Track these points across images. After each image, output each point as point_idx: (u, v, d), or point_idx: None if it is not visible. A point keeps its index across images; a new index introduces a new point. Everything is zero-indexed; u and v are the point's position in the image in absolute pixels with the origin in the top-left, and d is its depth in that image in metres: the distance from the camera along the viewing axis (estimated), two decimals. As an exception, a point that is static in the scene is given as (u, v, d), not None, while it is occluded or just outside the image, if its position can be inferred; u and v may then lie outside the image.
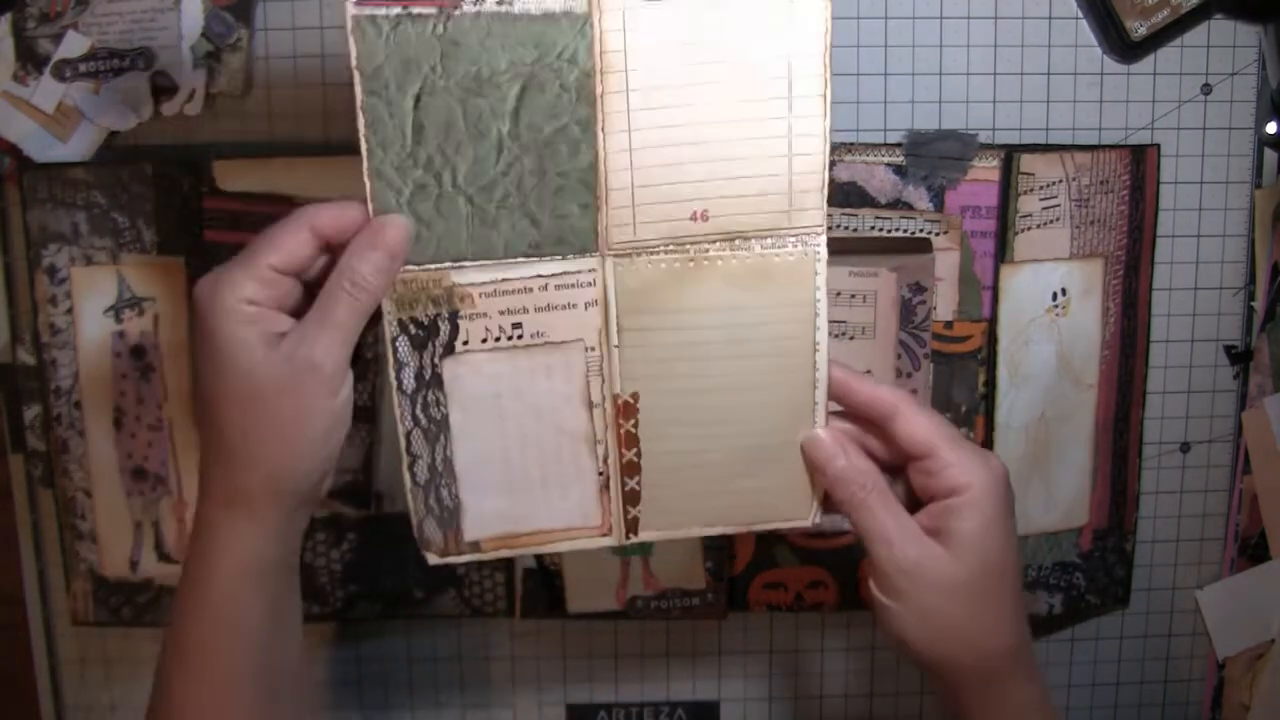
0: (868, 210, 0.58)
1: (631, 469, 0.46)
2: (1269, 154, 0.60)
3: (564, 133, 0.42)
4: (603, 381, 0.45)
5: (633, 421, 0.45)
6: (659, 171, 0.43)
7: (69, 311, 0.58)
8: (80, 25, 0.56)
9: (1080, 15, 0.58)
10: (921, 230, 0.58)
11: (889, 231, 0.58)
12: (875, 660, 0.64)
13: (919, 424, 0.44)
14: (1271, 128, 0.59)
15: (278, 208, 0.57)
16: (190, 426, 0.59)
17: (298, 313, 0.42)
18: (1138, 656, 0.65)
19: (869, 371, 0.59)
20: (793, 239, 0.44)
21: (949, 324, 0.59)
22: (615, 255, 0.44)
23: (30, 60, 0.57)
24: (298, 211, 0.42)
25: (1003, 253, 0.59)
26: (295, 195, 0.57)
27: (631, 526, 0.46)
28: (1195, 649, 0.64)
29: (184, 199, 0.57)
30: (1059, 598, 0.62)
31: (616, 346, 0.44)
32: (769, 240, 0.44)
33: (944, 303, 0.59)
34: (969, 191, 0.58)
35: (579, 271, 0.44)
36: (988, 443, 0.60)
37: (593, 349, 0.45)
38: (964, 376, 0.60)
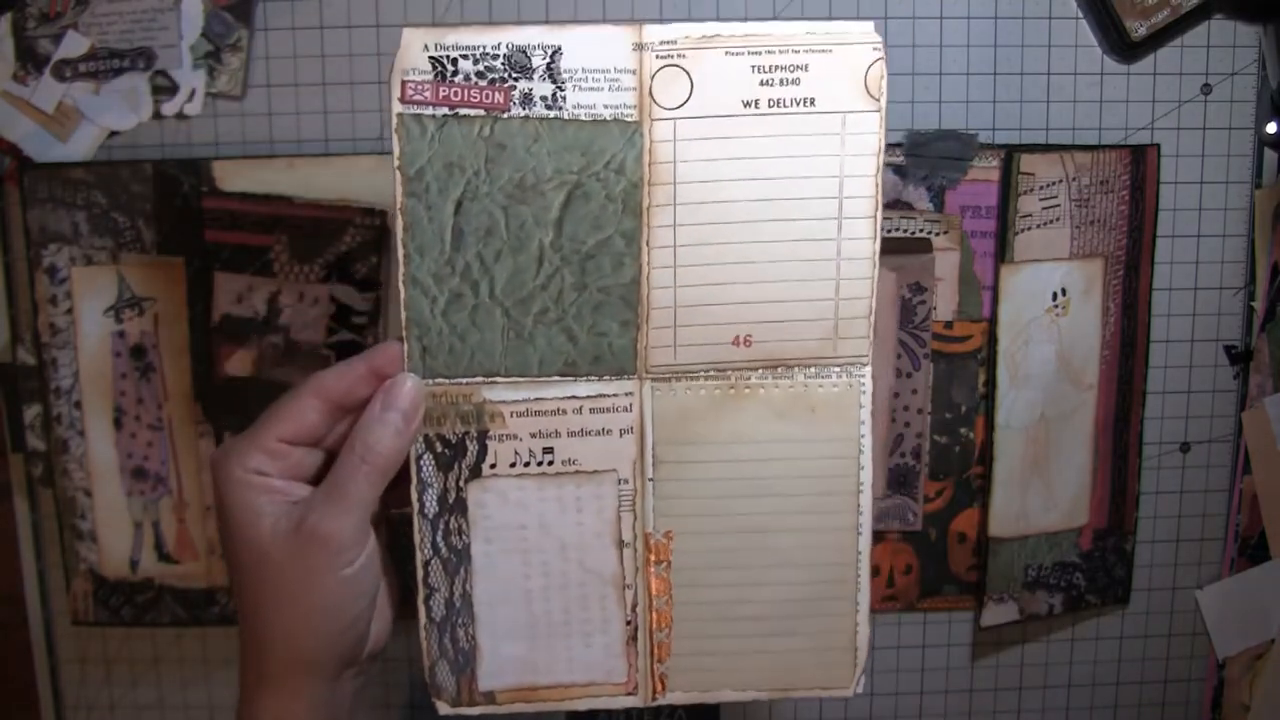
0: (868, 210, 0.58)
1: (662, 620, 0.43)
2: (1269, 154, 0.60)
3: (607, 245, 0.41)
4: (635, 518, 0.43)
5: (665, 565, 0.43)
6: (703, 291, 0.41)
7: (69, 311, 0.58)
8: (80, 25, 0.56)
9: (1080, 15, 0.58)
10: (921, 230, 0.58)
11: (889, 231, 0.58)
12: (875, 660, 0.64)
13: None
14: (1271, 128, 0.59)
15: (278, 208, 0.57)
16: (191, 426, 0.59)
17: (318, 479, 0.41)
18: (1138, 656, 0.65)
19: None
20: (837, 369, 0.42)
21: (949, 324, 0.59)
22: (653, 379, 0.42)
23: (30, 60, 0.57)
24: (308, 379, 0.41)
25: (1003, 253, 0.59)
26: (295, 195, 0.57)
27: (659, 685, 0.44)
28: (1195, 649, 0.64)
29: (184, 199, 0.57)
30: (1059, 598, 0.62)
31: (651, 479, 0.43)
32: (813, 370, 0.42)
33: (944, 303, 0.59)
34: (969, 191, 0.58)
35: (615, 395, 0.42)
36: (988, 443, 0.60)
37: (626, 481, 0.43)
38: (964, 376, 0.60)
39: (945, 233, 0.58)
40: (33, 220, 0.57)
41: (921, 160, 0.58)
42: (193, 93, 0.57)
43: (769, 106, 0.41)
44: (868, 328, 0.42)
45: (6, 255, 0.59)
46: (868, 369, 0.42)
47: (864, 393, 0.42)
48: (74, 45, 0.57)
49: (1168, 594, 0.64)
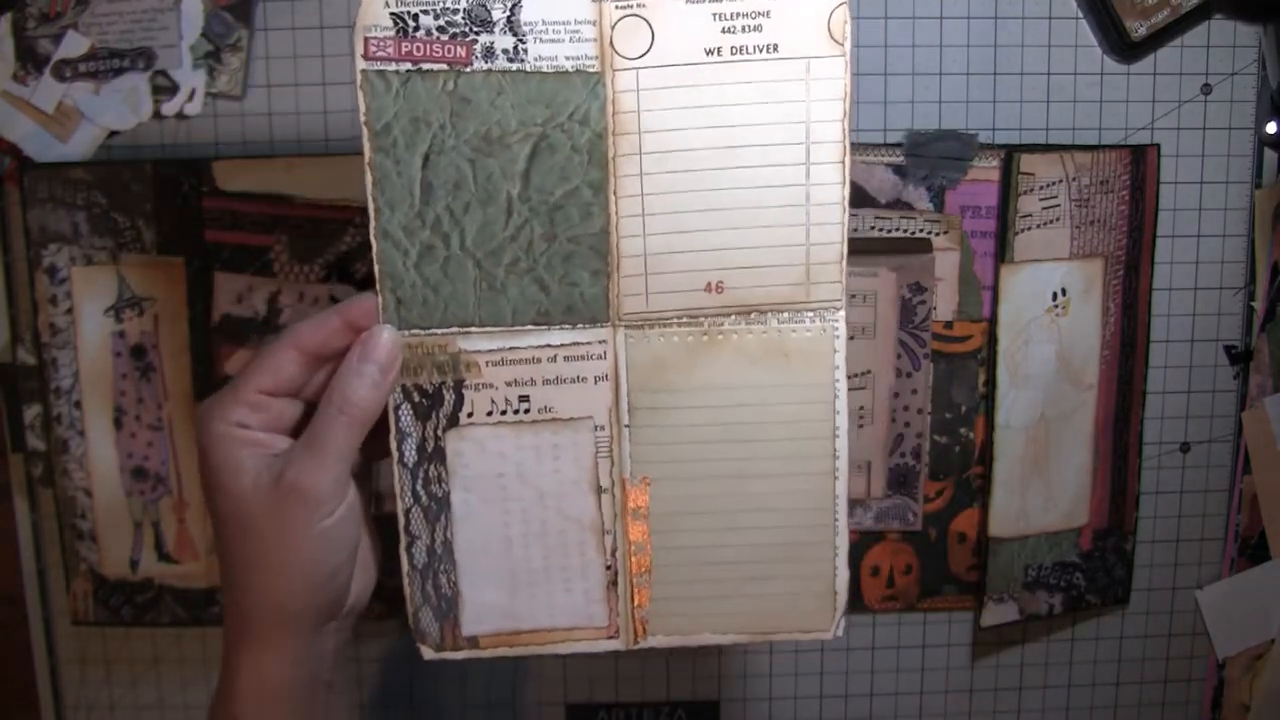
0: (868, 210, 0.58)
1: (641, 565, 0.44)
2: (1269, 154, 0.60)
3: (575, 196, 0.41)
4: (612, 464, 0.43)
5: (643, 510, 0.43)
6: (673, 239, 0.42)
7: (69, 311, 0.58)
8: (80, 25, 0.56)
9: (1080, 15, 0.58)
10: (921, 230, 0.58)
11: (889, 231, 0.58)
12: (875, 660, 0.64)
13: None
14: (1271, 128, 0.59)
15: (278, 208, 0.57)
16: (191, 426, 0.59)
17: (298, 431, 0.41)
18: (1138, 656, 0.65)
19: (868, 372, 0.59)
20: (810, 314, 0.43)
21: (949, 324, 0.59)
22: (627, 327, 0.42)
23: (30, 60, 0.57)
24: (286, 330, 0.42)
25: (1003, 253, 0.59)
26: (295, 195, 0.57)
27: (639, 629, 0.44)
28: (1195, 649, 0.64)
29: (184, 199, 0.57)
30: (1059, 598, 0.62)
31: (628, 426, 0.43)
32: (785, 315, 0.42)
33: (944, 303, 0.59)
34: (969, 191, 0.58)
35: (589, 343, 0.42)
36: (988, 443, 0.60)
37: (602, 428, 0.43)
38: (964, 376, 0.60)
39: (945, 233, 0.58)
40: (33, 220, 0.57)
41: (921, 160, 0.58)
42: (193, 93, 0.57)
43: (731, 54, 0.41)
44: (840, 272, 0.42)
45: (6, 255, 0.59)
46: (841, 314, 0.43)
47: (838, 337, 0.43)
48: (74, 45, 0.57)
49: (1168, 594, 0.64)
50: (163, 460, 0.59)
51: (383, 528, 0.45)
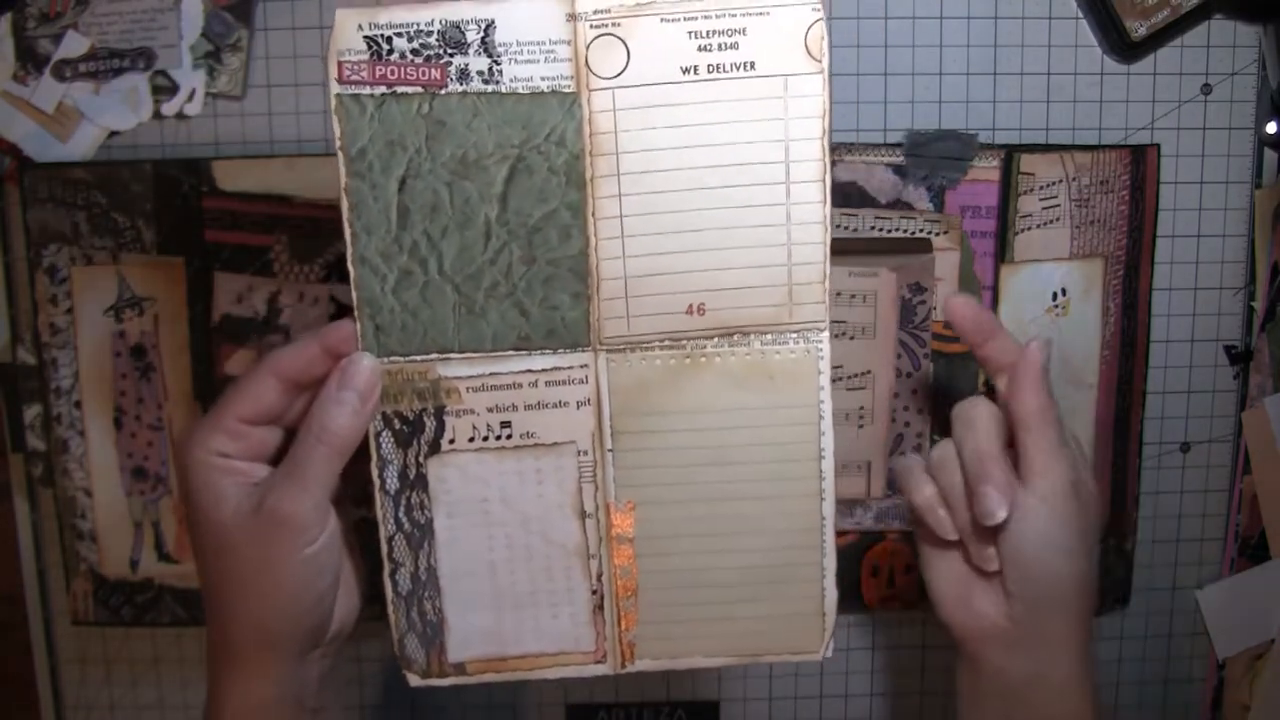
0: (868, 210, 0.58)
1: (627, 589, 0.44)
2: (1269, 154, 0.60)
3: (553, 218, 0.41)
4: (596, 489, 0.43)
5: (628, 535, 0.43)
6: (653, 261, 0.41)
7: (69, 311, 0.58)
8: (80, 25, 0.56)
9: (1080, 15, 0.58)
10: (921, 230, 0.58)
11: (889, 231, 0.58)
12: (875, 660, 0.64)
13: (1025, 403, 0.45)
14: (1271, 128, 0.59)
15: (278, 208, 0.57)
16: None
17: (279, 459, 0.41)
18: (1138, 656, 0.65)
19: (868, 372, 0.59)
20: (794, 335, 0.42)
21: (949, 324, 0.59)
22: (608, 350, 0.42)
23: (30, 60, 0.57)
24: (265, 358, 0.41)
25: (1003, 253, 0.59)
26: (295, 195, 0.57)
27: (627, 653, 0.44)
28: (1195, 649, 0.64)
29: (184, 199, 0.57)
30: (1059, 598, 0.62)
31: (610, 450, 0.43)
32: (769, 336, 0.42)
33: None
34: (969, 191, 0.58)
35: (570, 367, 0.42)
36: (988, 443, 0.60)
37: (585, 452, 0.43)
38: (964, 376, 0.60)
39: (945, 233, 0.58)
40: (33, 220, 0.57)
41: (921, 160, 0.58)
42: (193, 93, 0.57)
43: (709, 72, 0.41)
44: (823, 293, 0.42)
45: (6, 255, 0.59)
46: (825, 334, 0.42)
47: (822, 358, 0.42)
48: (74, 45, 0.57)
49: (1168, 594, 0.64)
50: (163, 460, 0.59)
51: (366, 552, 0.45)
